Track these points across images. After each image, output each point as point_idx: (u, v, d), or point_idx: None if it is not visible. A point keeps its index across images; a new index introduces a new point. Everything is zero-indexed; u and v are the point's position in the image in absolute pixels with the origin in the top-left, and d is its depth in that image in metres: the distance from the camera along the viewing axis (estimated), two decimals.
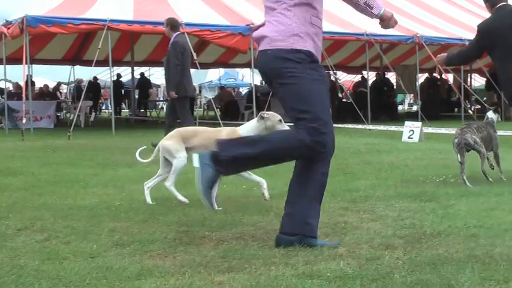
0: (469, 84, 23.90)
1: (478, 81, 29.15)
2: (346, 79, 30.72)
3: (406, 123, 11.20)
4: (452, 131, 9.23)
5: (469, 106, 20.40)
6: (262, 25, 3.14)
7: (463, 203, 4.42)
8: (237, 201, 4.63)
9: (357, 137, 11.72)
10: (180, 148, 4.53)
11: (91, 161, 7.58)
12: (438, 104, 20.56)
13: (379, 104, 19.42)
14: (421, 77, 24.08)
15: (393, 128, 12.54)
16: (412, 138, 10.61)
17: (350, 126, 13.86)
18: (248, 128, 4.31)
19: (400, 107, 30.65)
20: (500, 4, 5.97)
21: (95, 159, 7.72)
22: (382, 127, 13.24)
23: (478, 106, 22.12)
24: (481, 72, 23.40)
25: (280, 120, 4.27)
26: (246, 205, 4.44)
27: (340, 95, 23.55)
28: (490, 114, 6.14)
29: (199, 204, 4.60)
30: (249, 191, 5.11)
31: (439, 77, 22.09)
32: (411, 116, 19.62)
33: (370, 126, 13.96)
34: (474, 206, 4.27)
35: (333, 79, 20.97)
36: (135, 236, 3.40)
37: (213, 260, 2.90)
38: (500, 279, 2.53)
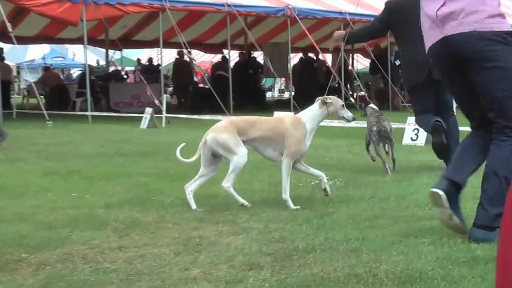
0: (350, 66, 25.27)
1: (361, 63, 30.95)
2: (203, 59, 30.99)
3: (277, 113, 11.50)
4: (330, 123, 9.67)
5: (350, 93, 21.54)
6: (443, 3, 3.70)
7: (342, 210, 4.61)
8: (64, 213, 4.52)
9: None
10: (239, 142, 4.76)
11: None
12: (314, 90, 21.40)
13: (243, 90, 19.81)
14: (294, 58, 25.00)
15: None
16: None
17: (207, 117, 13.93)
18: (311, 114, 4.91)
19: (268, 94, 31.60)
20: None
21: None
22: None
23: (362, 93, 23.47)
24: (364, 53, 24.87)
25: (343, 105, 5.00)
26: (76, 218, 4.35)
27: (195, 79, 23.68)
28: (371, 108, 6.82)
29: (16, 217, 4.34)
30: (79, 200, 4.97)
31: (315, 57, 23.04)
32: (282, 104, 20.31)
33: (233, 118, 14.10)
34: (356, 213, 4.47)
35: (187, 59, 21.02)
36: None
37: None
38: None
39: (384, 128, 6.40)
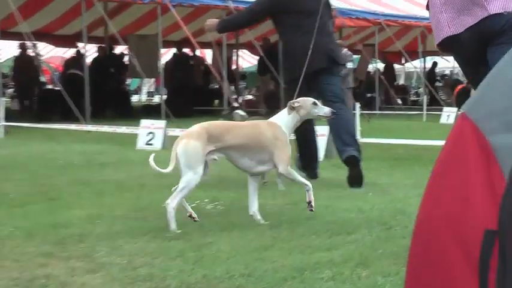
0: (235, 64, 25.54)
1: (249, 61, 31.35)
2: (52, 54, 30.26)
3: (144, 122, 11.43)
4: None
5: (235, 97, 21.72)
6: None
7: (224, 240, 4.60)
8: None
9: (68, 143, 11.66)
10: (203, 158, 5.03)
11: None
12: (191, 94, 21.45)
13: (103, 93, 19.51)
14: (166, 54, 24.91)
15: (124, 129, 12.68)
16: (152, 144, 10.88)
17: (58, 126, 13.65)
18: (285, 120, 5.35)
19: (135, 98, 31.33)
20: None
21: None
22: (106, 128, 13.30)
23: (250, 96, 23.76)
24: (252, 49, 25.21)
25: (314, 103, 5.45)
26: None
27: (42, 79, 23.03)
28: (239, 115, 6.99)
29: None
30: None
31: (192, 54, 23.06)
32: (151, 111, 20.16)
33: (89, 127, 13.93)
34: (241, 244, 4.47)
35: (32, 54, 20.44)
36: None
37: None
38: None
39: None
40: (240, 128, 5.30)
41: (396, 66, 32.00)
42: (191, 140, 5.02)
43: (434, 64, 29.47)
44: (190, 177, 4.95)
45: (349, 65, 20.19)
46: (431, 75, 28.94)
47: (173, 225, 4.90)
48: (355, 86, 21.87)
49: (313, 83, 7.18)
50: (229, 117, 7.41)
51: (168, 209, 4.92)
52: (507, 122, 1.76)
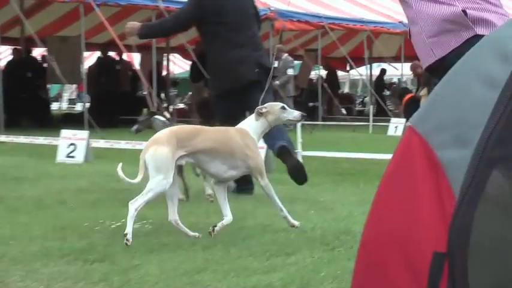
0: (166, 70, 25.46)
1: (180, 66, 31.30)
2: None
3: (64, 132, 11.30)
4: (138, 145, 9.62)
5: (165, 105, 21.64)
6: None
7: (153, 262, 4.57)
8: None
9: None
10: (173, 166, 5.26)
11: None
12: (117, 101, 21.28)
13: (19, 100, 19.25)
14: (89, 57, 24.71)
15: (42, 140, 12.53)
16: (73, 157, 10.78)
17: None
18: (253, 126, 5.64)
19: (54, 106, 30.98)
20: None
21: None
22: (22, 138, 13.12)
23: (182, 105, 23.68)
24: (183, 53, 25.16)
25: (283, 108, 5.74)
26: None
27: None
28: (160, 121, 7.43)
29: None
30: None
31: (118, 58, 22.91)
32: (73, 120, 19.93)
33: (3, 137, 13.73)
34: (171, 267, 4.44)
35: None
36: None
37: None
38: None
39: None
40: (208, 132, 5.55)
41: (340, 73, 32.34)
42: (160, 146, 5.23)
43: (383, 71, 29.82)
44: (158, 181, 5.17)
45: (290, 72, 20.40)
46: (379, 83, 29.25)
47: (129, 228, 5.02)
48: (296, 95, 22.06)
49: (244, 96, 7.44)
50: (148, 123, 7.57)
51: (129, 208, 5.10)
52: (457, 136, 1.79)
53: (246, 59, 7.43)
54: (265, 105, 5.80)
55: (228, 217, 5.51)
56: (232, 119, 6.82)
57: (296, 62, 24.40)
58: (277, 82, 19.77)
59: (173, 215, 5.37)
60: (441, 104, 1.84)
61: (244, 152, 5.52)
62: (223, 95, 7.43)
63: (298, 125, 11.11)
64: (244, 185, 7.58)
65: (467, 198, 1.71)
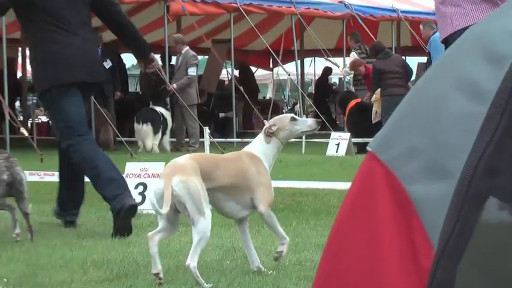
0: (21, 72, 25.06)
1: None
2: None
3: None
4: None
5: (21, 118, 21.38)
6: None
7: None
8: None
9: None
10: (207, 196, 5.74)
11: None
12: None
13: None
14: None
15: None
16: None
17: None
18: (263, 151, 6.18)
19: None
20: None
21: None
22: None
23: (44, 118, 23.42)
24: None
25: (293, 119, 6.29)
26: None
27: None
28: None
29: None
30: None
31: None
32: None
33: None
34: None
35: None
36: None
37: None
38: None
39: (18, 177, 7.55)
40: (226, 162, 6.11)
41: (261, 72, 32.45)
42: (189, 176, 5.65)
43: (327, 71, 29.38)
44: (204, 225, 5.62)
45: (192, 72, 20.27)
46: (322, 86, 28.91)
47: (205, 285, 5.61)
48: (200, 102, 22.01)
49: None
50: None
51: (192, 270, 5.59)
52: (432, 164, 1.76)
53: (63, 54, 7.80)
54: (271, 121, 6.29)
55: (254, 264, 6.06)
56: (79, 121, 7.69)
57: (201, 57, 24.35)
58: (174, 86, 19.73)
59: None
60: (410, 122, 1.81)
61: (256, 181, 6.04)
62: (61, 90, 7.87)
63: (207, 143, 11.11)
64: (69, 215, 8.35)
65: (449, 248, 1.69)
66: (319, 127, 6.48)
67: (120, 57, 23.36)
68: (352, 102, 19.87)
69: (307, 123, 6.39)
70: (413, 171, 1.80)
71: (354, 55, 21.86)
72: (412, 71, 20.39)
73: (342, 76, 27.64)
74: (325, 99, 27.47)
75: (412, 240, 1.80)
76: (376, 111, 19.23)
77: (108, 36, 24.07)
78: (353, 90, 22.15)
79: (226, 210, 6.05)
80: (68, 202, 8.43)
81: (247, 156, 6.14)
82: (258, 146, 6.20)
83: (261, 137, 6.22)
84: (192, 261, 5.58)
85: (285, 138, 6.28)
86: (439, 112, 1.79)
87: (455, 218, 1.72)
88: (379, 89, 19.08)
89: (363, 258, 1.86)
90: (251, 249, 6.09)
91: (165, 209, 5.56)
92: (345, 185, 11.67)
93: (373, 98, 19.24)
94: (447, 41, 4.90)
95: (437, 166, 1.77)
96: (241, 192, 5.97)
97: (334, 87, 31.39)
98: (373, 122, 19.17)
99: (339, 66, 25.43)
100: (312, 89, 36.20)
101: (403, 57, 24.01)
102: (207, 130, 11.58)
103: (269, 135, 6.16)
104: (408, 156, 1.81)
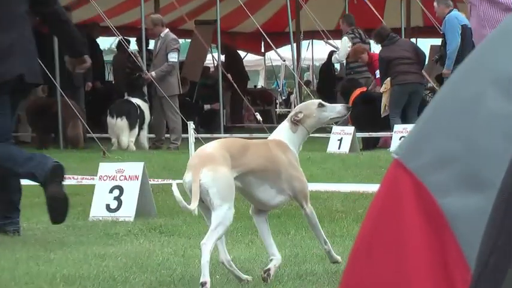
0: None
1: None
2: None
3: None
4: None
5: None
6: None
7: None
8: None
9: None
10: (234, 189, 6.08)
11: None
12: None
13: None
14: None
15: None
16: None
17: None
18: (292, 139, 6.43)
19: None
20: None
21: None
22: None
23: None
24: None
25: (320, 105, 6.53)
26: None
27: None
28: None
29: None
30: None
31: None
32: None
33: None
34: None
35: None
36: None
37: None
38: None
39: None
40: (253, 146, 6.38)
41: (252, 57, 32.38)
42: (218, 166, 5.94)
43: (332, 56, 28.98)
44: (225, 212, 5.91)
45: (173, 58, 20.17)
46: (326, 73, 28.56)
47: (206, 273, 5.80)
48: (182, 93, 21.92)
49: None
50: None
51: (203, 251, 5.82)
52: (468, 174, 1.74)
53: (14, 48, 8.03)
54: (297, 108, 6.56)
55: (276, 257, 6.31)
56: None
57: (182, 41, 24.28)
58: (152, 73, 19.65)
59: (224, 254, 6.12)
60: (441, 125, 1.79)
61: (289, 171, 6.32)
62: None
63: (191, 139, 10.98)
64: (10, 223, 8.39)
65: (488, 271, 1.67)
66: (349, 113, 6.79)
67: (94, 41, 23.31)
68: (357, 92, 19.56)
69: (336, 109, 6.58)
70: (445, 181, 1.79)
71: (346, 40, 21.50)
72: (424, 55, 20.20)
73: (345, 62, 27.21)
74: (331, 88, 27.11)
75: (444, 258, 1.78)
76: (386, 105, 19.07)
77: (82, 14, 24.05)
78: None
79: (260, 195, 6.28)
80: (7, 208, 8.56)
81: (274, 143, 6.38)
82: (284, 134, 6.42)
83: (286, 125, 6.45)
84: (207, 241, 5.83)
85: (312, 127, 6.50)
86: (475, 113, 1.77)
87: (494, 235, 1.69)
88: (388, 79, 18.91)
89: (390, 273, 1.85)
90: (271, 242, 6.36)
91: (193, 205, 5.86)
92: (350, 187, 11.71)
93: (382, 89, 19.05)
94: None
95: (473, 175, 1.75)
96: (273, 175, 6.22)
97: (335, 73, 31.02)
98: (382, 116, 19.07)
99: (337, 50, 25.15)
100: (309, 76, 36.17)
101: (413, 41, 23.95)
102: (191, 125, 11.25)
103: (295, 123, 6.38)
104: (439, 164, 1.80)
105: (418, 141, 1.85)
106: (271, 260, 6.31)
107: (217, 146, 6.12)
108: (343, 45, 21.61)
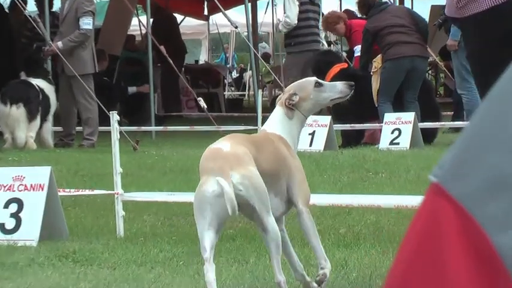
0: None
1: None
2: None
3: None
4: None
5: None
6: None
7: None
8: None
9: None
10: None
11: None
12: None
13: None
14: None
15: None
16: None
17: None
18: (288, 129, 6.70)
19: None
20: None
21: None
22: None
23: None
24: None
25: (318, 84, 6.80)
26: None
27: None
28: None
29: None
30: None
31: None
32: None
33: None
34: None
35: None
36: None
37: None
38: None
39: None
40: (262, 144, 6.66)
41: (191, 22, 32.59)
42: (250, 167, 6.12)
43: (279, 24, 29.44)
44: (273, 225, 6.19)
45: (86, 24, 20.09)
46: None
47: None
48: (99, 71, 21.91)
49: None
50: None
51: (282, 286, 6.38)
52: None
53: None
54: (290, 89, 6.75)
55: (298, 272, 6.70)
56: None
57: (98, 1, 24.40)
58: (59, 44, 19.52)
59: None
60: (494, 141, 1.80)
61: (290, 168, 6.58)
62: None
63: (115, 134, 10.83)
64: None
65: None
66: (352, 92, 6.76)
67: None
68: (335, 68, 19.00)
69: (337, 87, 6.72)
70: (500, 213, 1.80)
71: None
72: (424, 21, 20.21)
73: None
74: None
75: None
76: (378, 90, 18.82)
77: None
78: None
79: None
80: None
81: (276, 137, 6.55)
82: (280, 125, 6.61)
83: (279, 111, 6.62)
84: (281, 276, 6.23)
85: (309, 111, 6.74)
86: None
87: None
88: (379, 56, 18.74)
89: None
90: (292, 255, 6.70)
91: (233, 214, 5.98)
92: (327, 198, 11.69)
93: (372, 68, 18.86)
94: (499, 9, 5.42)
95: None
96: (279, 180, 6.46)
97: None
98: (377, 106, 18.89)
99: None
100: (269, 48, 36.41)
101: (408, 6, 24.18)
102: (114, 116, 10.81)
103: (291, 107, 6.53)
104: (492, 191, 1.81)
105: (464, 160, 1.86)
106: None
107: (235, 144, 6.27)
108: (289, 2, 21.17)
